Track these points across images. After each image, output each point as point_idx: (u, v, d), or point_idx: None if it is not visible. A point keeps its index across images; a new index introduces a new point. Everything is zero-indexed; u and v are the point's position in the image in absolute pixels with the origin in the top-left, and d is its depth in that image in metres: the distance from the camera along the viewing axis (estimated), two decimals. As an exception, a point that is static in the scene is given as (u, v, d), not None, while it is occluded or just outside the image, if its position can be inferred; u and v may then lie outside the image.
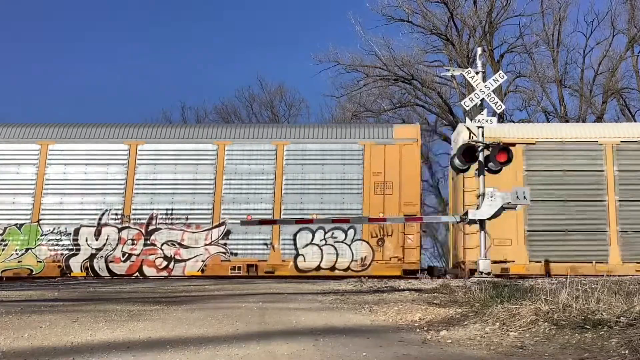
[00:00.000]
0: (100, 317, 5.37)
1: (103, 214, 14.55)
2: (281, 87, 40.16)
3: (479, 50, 12.54)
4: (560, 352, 3.47)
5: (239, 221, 13.80)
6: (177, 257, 14.38)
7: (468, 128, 11.81)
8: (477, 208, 10.78)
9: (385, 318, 5.37)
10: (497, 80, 11.41)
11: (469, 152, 10.86)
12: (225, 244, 14.41)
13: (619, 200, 13.95)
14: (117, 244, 14.39)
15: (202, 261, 14.35)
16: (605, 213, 13.90)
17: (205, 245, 14.44)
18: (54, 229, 14.48)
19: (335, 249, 14.30)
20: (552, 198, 13.98)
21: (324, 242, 14.31)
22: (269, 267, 14.23)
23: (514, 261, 13.76)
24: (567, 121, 27.01)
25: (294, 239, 14.38)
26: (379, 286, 9.98)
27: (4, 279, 13.96)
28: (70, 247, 14.39)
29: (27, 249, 14.40)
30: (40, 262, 14.33)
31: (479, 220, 10.74)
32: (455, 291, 7.07)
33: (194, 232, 14.46)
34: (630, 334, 3.51)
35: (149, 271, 14.29)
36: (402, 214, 14.04)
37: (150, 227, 14.50)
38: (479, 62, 11.77)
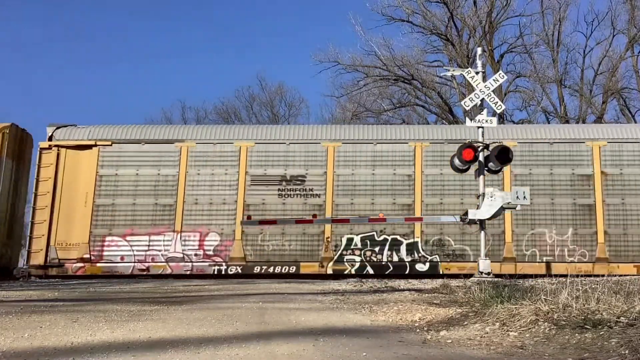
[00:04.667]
0: (100, 317, 5.37)
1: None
2: (281, 87, 40.29)
3: (479, 50, 12.53)
4: (560, 352, 3.47)
5: None
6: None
7: None
8: (477, 208, 10.78)
9: (385, 318, 5.37)
10: (497, 80, 11.40)
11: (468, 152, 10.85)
12: None
13: None
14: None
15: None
16: None
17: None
18: None
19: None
20: None
21: None
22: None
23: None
24: (567, 121, 27.02)
25: None
26: (379, 286, 9.98)
27: None
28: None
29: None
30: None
31: (479, 220, 10.74)
32: (455, 291, 7.07)
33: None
34: (630, 334, 3.51)
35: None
36: None
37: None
38: (479, 62, 11.76)
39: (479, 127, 11.01)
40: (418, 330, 4.55)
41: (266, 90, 39.85)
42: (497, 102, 11.12)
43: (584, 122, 26.61)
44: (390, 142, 15.00)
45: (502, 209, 10.59)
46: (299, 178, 14.74)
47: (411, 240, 14.51)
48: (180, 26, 61.48)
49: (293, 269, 14.25)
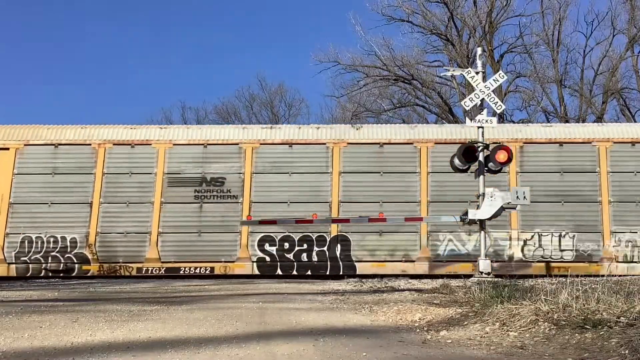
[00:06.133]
0: (100, 317, 5.37)
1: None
2: (281, 87, 40.25)
3: (479, 50, 12.53)
4: (560, 352, 3.47)
5: None
6: None
7: None
8: (477, 208, 10.78)
9: (385, 318, 5.37)
10: (497, 80, 11.41)
11: (468, 152, 10.86)
12: None
13: None
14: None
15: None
16: None
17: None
18: None
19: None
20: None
21: None
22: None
23: None
24: (567, 121, 27.04)
25: None
26: (379, 286, 9.98)
27: None
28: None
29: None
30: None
31: (479, 220, 10.74)
32: (455, 291, 7.07)
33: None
34: (630, 334, 3.51)
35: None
36: None
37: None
38: (479, 62, 11.76)
39: (479, 127, 11.01)
40: (418, 330, 4.55)
41: (266, 90, 39.86)
42: (497, 102, 11.12)
43: (584, 122, 26.60)
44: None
45: (502, 208, 10.61)
46: None
47: None
48: (180, 26, 61.50)
49: None
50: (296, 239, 14.21)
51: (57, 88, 58.68)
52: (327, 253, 14.23)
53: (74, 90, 58.18)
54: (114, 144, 14.65)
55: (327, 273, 14.04)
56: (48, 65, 58.04)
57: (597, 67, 28.10)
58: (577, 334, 3.75)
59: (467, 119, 11.20)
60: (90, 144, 14.62)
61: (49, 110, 54.12)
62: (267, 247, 14.17)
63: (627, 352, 3.20)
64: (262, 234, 14.16)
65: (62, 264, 14.00)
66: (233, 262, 14.02)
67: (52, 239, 14.09)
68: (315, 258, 14.16)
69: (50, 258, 13.99)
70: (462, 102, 11.54)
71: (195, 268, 13.98)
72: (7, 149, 14.57)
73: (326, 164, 14.58)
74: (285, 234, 14.19)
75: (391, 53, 28.16)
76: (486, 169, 11.00)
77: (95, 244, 14.06)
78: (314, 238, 14.23)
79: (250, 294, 8.48)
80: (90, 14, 57.72)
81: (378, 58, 28.12)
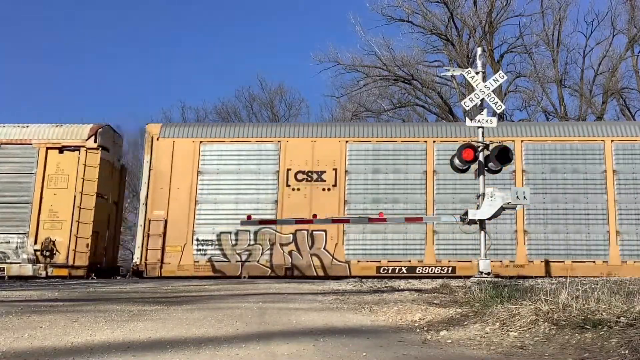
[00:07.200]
0: (100, 317, 5.37)
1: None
2: (281, 87, 40.25)
3: (479, 50, 12.53)
4: (560, 352, 3.47)
5: None
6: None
7: None
8: (477, 208, 10.77)
9: (385, 318, 5.37)
10: (497, 80, 11.41)
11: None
12: None
13: None
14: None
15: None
16: None
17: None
18: None
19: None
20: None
21: None
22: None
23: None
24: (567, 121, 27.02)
25: None
26: (379, 286, 9.98)
27: None
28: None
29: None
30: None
31: (479, 220, 10.74)
32: (455, 291, 7.07)
33: None
34: (630, 334, 3.51)
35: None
36: None
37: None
38: (479, 62, 11.76)
39: (479, 127, 11.01)
40: (418, 330, 4.55)
41: (266, 90, 39.86)
42: (497, 102, 11.12)
43: (584, 121, 26.59)
44: None
45: (502, 208, 10.61)
46: None
47: None
48: (180, 26, 61.56)
49: None
50: None
51: (52, 87, 58.69)
52: None
53: (72, 90, 58.17)
54: None
55: None
56: (45, 64, 58.06)
57: (597, 67, 28.15)
58: (577, 334, 3.75)
59: (467, 118, 11.21)
60: None
61: (56, 108, 54.11)
62: None
63: (627, 352, 3.20)
64: None
65: None
66: None
67: None
68: None
69: None
70: (462, 102, 11.55)
71: None
72: None
73: None
74: None
75: (391, 53, 28.19)
76: (486, 169, 11.00)
77: None
78: None
79: (250, 294, 8.48)
80: (90, 15, 57.74)
81: (378, 58, 28.15)
